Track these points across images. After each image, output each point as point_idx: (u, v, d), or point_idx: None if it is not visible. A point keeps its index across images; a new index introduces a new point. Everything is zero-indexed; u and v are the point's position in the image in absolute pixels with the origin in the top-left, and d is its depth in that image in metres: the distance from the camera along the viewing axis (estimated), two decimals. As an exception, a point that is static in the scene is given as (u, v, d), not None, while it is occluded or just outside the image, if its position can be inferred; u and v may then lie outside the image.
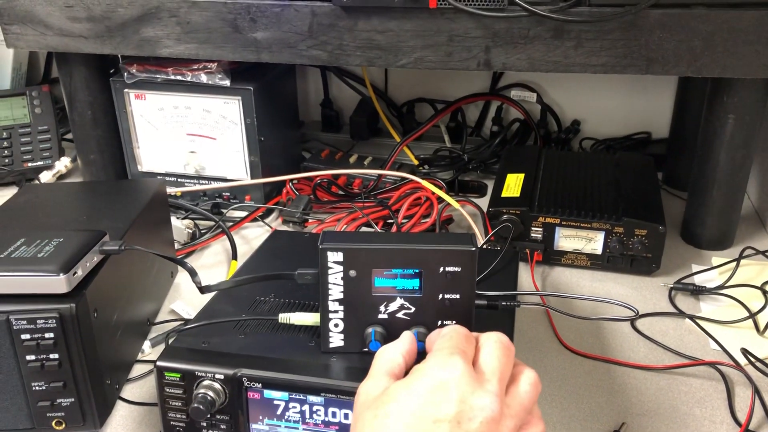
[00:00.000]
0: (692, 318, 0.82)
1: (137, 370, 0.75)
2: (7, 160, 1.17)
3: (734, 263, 0.88)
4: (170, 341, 0.59)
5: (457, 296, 0.52)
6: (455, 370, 0.45)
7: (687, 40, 0.80)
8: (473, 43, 0.84)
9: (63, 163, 1.18)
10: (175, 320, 0.82)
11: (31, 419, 0.62)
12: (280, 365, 0.54)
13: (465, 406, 0.43)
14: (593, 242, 0.90)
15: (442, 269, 0.52)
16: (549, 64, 0.84)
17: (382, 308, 0.53)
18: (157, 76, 1.01)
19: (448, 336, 0.49)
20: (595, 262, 0.91)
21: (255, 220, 1.05)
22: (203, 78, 0.99)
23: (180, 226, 0.98)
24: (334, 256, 0.52)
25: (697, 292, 0.86)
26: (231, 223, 1.02)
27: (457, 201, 0.99)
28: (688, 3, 0.78)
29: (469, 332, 0.50)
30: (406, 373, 0.48)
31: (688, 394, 0.71)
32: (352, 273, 0.52)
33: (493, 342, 0.48)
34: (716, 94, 0.88)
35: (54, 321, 0.58)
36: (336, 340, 0.55)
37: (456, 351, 0.46)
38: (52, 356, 0.59)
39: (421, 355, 0.51)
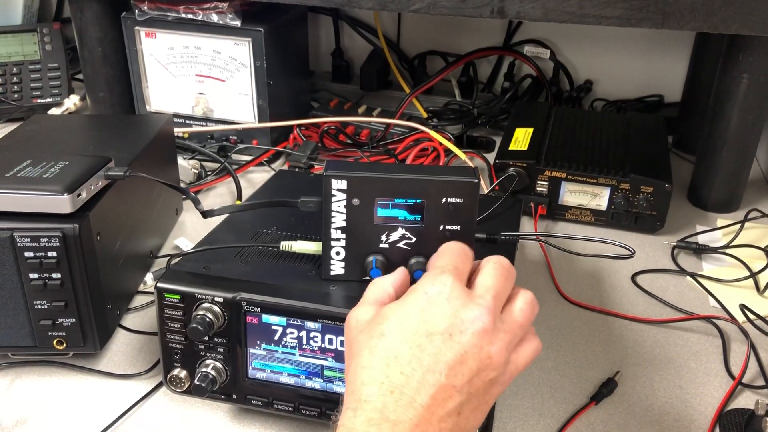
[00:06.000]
0: (693, 275, 0.82)
1: (138, 300, 0.76)
2: (16, 96, 1.17)
3: (739, 225, 0.88)
4: (171, 265, 0.60)
5: (458, 228, 0.52)
6: (445, 285, 0.45)
7: (705, -6, 0.78)
8: (488, -11, 0.83)
9: (72, 101, 1.18)
10: (178, 255, 0.83)
11: (33, 337, 0.63)
12: (280, 291, 0.55)
13: (456, 319, 0.44)
14: (598, 198, 0.89)
15: (444, 200, 0.52)
16: (563, 14, 0.82)
17: (383, 237, 0.53)
18: (168, 14, 1.00)
19: (442, 254, 0.49)
20: (599, 219, 0.91)
21: (261, 164, 1.05)
22: (214, 17, 0.98)
23: (186, 165, 0.98)
24: (338, 184, 0.52)
25: (700, 251, 0.86)
26: (237, 166, 1.02)
27: (464, 153, 0.98)
28: (709, -45, 0.77)
29: (467, 248, 0.50)
30: None
31: (684, 348, 0.72)
32: (355, 201, 0.52)
33: (492, 263, 0.48)
34: (732, 52, 0.87)
35: (57, 240, 0.59)
36: (337, 267, 0.55)
37: (447, 268, 0.47)
38: (54, 275, 0.60)
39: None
